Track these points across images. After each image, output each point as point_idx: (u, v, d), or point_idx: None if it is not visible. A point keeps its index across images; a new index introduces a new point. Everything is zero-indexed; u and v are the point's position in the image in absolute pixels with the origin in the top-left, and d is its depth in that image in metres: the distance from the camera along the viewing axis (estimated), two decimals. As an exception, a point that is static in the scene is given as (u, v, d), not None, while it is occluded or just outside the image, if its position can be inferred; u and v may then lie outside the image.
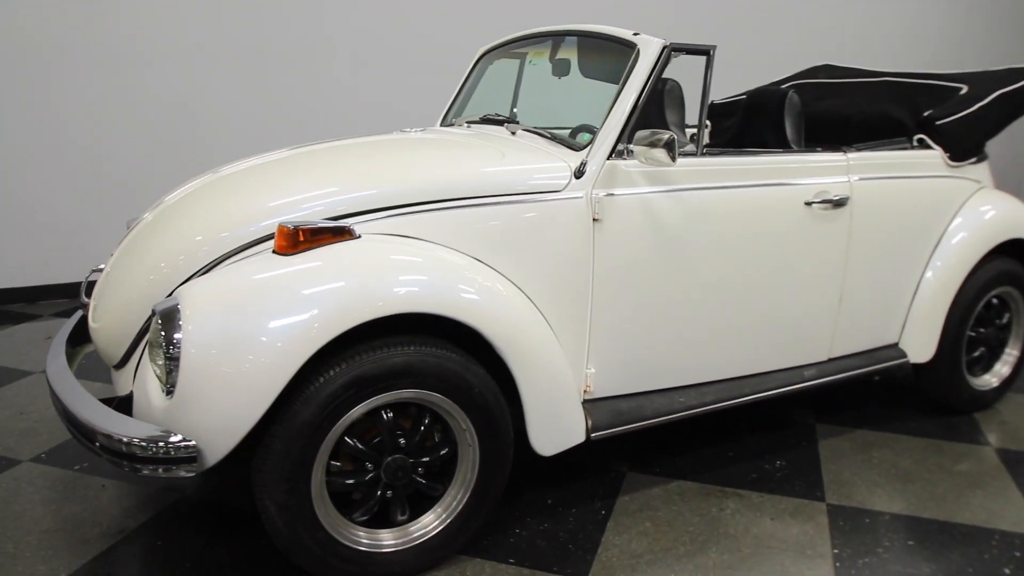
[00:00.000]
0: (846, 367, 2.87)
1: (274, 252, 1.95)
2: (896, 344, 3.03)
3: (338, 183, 2.17)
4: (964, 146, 3.05)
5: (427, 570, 2.13)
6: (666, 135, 2.20)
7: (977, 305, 3.12)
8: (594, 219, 2.27)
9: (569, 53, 2.87)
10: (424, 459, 2.08)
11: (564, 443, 2.27)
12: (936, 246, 3.01)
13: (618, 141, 2.32)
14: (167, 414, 1.82)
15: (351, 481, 2.00)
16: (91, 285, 2.37)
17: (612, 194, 2.30)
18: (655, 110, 3.37)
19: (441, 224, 2.13)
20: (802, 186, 2.61)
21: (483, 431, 2.08)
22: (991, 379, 3.33)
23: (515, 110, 3.21)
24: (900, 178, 2.85)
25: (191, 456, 1.78)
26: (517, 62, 3.22)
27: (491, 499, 2.16)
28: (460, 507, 2.13)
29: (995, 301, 3.24)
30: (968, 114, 3.04)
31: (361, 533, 2.03)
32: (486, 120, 2.92)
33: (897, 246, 2.88)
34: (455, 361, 2.00)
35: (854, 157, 2.76)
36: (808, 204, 2.61)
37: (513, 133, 2.67)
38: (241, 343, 1.79)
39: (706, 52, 2.45)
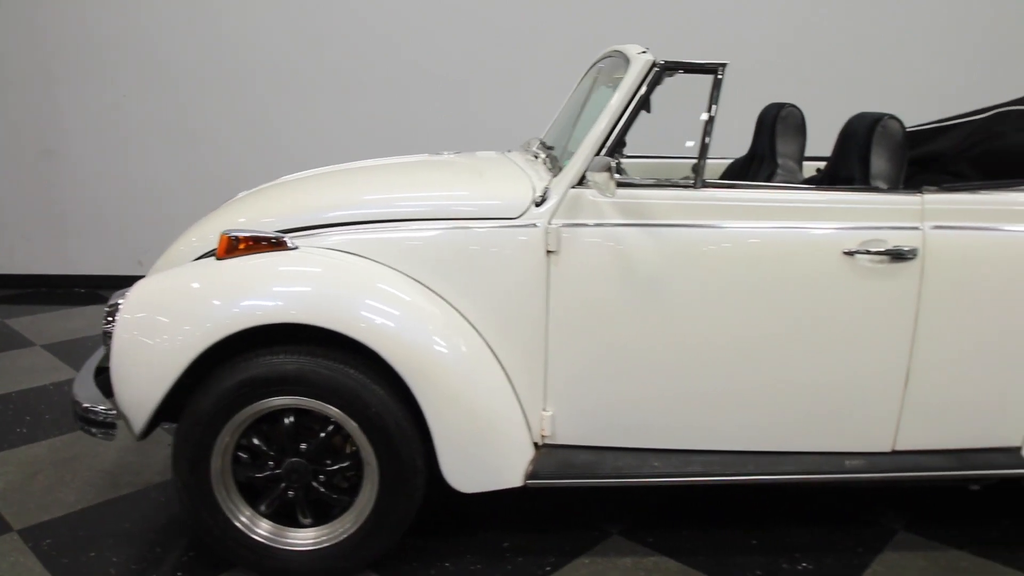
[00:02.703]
0: (918, 466, 2.25)
1: (216, 258, 2.18)
2: (1018, 449, 2.29)
3: (310, 199, 2.36)
4: None
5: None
6: (606, 161, 1.99)
7: None
8: (548, 251, 2.12)
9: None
10: (326, 468, 2.13)
11: (488, 484, 2.16)
12: None
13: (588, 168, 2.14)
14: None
15: (258, 475, 2.14)
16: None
17: (575, 225, 2.13)
18: (765, 138, 2.98)
19: (390, 244, 2.18)
20: (840, 231, 2.12)
21: (381, 453, 2.07)
22: None
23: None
24: (1014, 231, 2.16)
25: (111, 423, 2.10)
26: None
27: (392, 525, 2.13)
28: (353, 529, 2.14)
29: None
30: None
31: (245, 516, 2.15)
32: (542, 145, 2.84)
33: (1008, 319, 2.18)
34: (352, 377, 2.03)
35: (936, 200, 2.15)
36: (848, 254, 2.11)
37: (535, 156, 2.59)
38: (153, 333, 2.04)
39: (713, 71, 2.14)
